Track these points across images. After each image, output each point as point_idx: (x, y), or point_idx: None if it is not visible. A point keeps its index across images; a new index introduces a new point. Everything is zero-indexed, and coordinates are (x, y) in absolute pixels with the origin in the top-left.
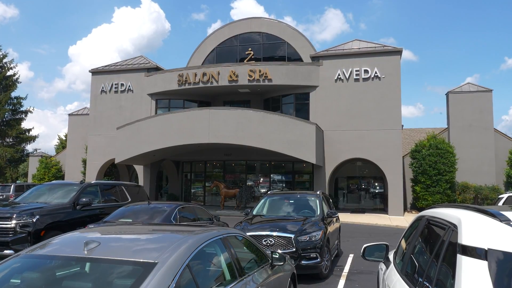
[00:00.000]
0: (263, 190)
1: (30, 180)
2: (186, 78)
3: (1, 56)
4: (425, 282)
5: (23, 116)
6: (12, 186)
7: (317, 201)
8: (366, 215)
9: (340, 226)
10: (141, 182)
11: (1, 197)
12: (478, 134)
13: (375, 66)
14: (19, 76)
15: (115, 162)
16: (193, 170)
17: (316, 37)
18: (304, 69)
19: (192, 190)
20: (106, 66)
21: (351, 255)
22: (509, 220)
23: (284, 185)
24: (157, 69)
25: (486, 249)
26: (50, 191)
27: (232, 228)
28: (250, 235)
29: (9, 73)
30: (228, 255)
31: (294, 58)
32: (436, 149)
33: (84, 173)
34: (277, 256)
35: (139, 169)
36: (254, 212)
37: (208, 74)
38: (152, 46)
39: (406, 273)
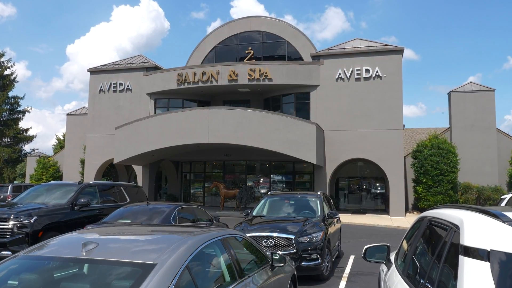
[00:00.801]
0: (263, 191)
1: (27, 181)
2: (185, 77)
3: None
4: (427, 284)
5: (21, 116)
6: (10, 186)
7: (318, 202)
8: (367, 216)
9: (341, 227)
10: (140, 182)
11: None
12: (481, 134)
13: (376, 65)
14: (16, 75)
15: (114, 162)
16: (193, 171)
17: (316, 36)
18: (305, 69)
19: (192, 191)
20: (104, 65)
21: (352, 256)
22: (511, 221)
23: (284, 185)
24: (156, 68)
25: (489, 250)
26: (48, 192)
27: (232, 229)
28: (250, 236)
29: (7, 72)
30: (227, 256)
31: (295, 57)
32: (438, 149)
33: (82, 174)
34: (278, 257)
35: (138, 169)
36: (254, 213)
37: (208, 74)
38: (151, 45)
39: (408, 275)
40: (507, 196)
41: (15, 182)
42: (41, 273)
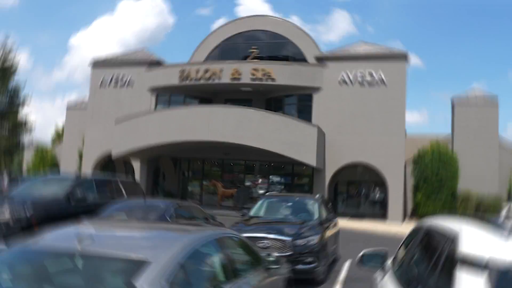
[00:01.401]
0: (261, 192)
1: (25, 173)
2: (188, 73)
3: (5, 45)
4: None
5: (20, 106)
6: (6, 178)
7: (316, 205)
8: (365, 221)
9: (338, 231)
10: (137, 178)
11: None
12: (483, 141)
13: (380, 70)
14: (17, 66)
15: (112, 157)
16: (191, 168)
17: (322, 38)
18: (308, 70)
19: (189, 188)
20: (106, 58)
21: (349, 261)
22: (510, 231)
23: (283, 187)
24: (158, 63)
25: (486, 261)
26: (44, 185)
27: (228, 228)
28: (246, 237)
29: (7, 63)
30: (222, 256)
31: (299, 58)
32: (439, 156)
33: (80, 167)
34: (273, 259)
35: (136, 165)
36: (251, 213)
37: (211, 71)
38: (154, 39)
39: (404, 283)
40: (507, 206)
41: (12, 174)
42: (36, 266)
